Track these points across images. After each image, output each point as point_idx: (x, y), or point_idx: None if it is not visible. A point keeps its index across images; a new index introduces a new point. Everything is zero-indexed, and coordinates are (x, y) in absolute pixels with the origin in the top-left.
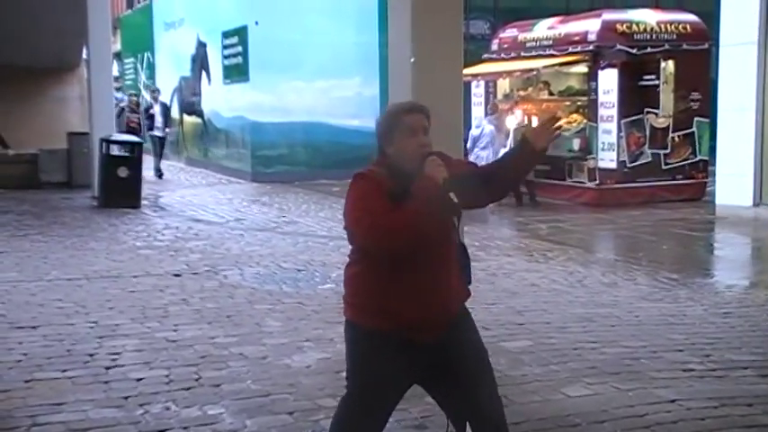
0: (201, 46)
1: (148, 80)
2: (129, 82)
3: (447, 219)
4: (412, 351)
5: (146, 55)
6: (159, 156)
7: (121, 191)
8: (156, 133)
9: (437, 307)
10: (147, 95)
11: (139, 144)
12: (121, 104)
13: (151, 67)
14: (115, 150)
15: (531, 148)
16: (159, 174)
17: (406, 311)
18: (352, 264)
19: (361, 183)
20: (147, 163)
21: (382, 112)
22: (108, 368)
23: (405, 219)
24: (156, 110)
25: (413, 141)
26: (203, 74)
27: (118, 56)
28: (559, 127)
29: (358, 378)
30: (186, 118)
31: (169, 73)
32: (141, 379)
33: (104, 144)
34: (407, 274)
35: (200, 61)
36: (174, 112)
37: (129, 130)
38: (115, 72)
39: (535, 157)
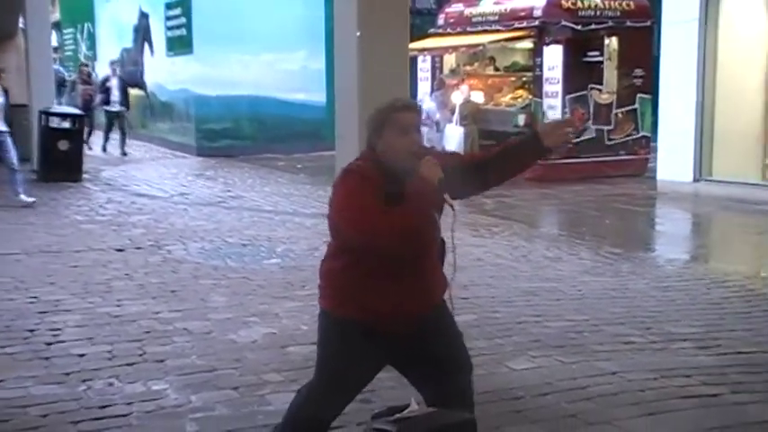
0: (144, 17)
1: (89, 51)
2: (68, 53)
3: (435, 217)
4: (387, 341)
5: (86, 25)
6: (110, 132)
7: (62, 164)
8: (112, 108)
9: (418, 302)
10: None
11: (80, 116)
12: (71, 77)
13: (92, 38)
14: (55, 123)
15: (540, 143)
16: (123, 152)
17: (386, 307)
18: (332, 257)
19: (352, 179)
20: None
21: (335, 89)
22: (49, 344)
23: (402, 221)
24: (114, 83)
25: (403, 140)
26: (146, 45)
27: (57, 26)
28: (584, 130)
29: (329, 367)
30: (129, 91)
31: (110, 44)
32: (83, 355)
33: (44, 116)
34: (390, 271)
35: (142, 32)
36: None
37: (84, 104)
38: (54, 43)
39: (542, 153)
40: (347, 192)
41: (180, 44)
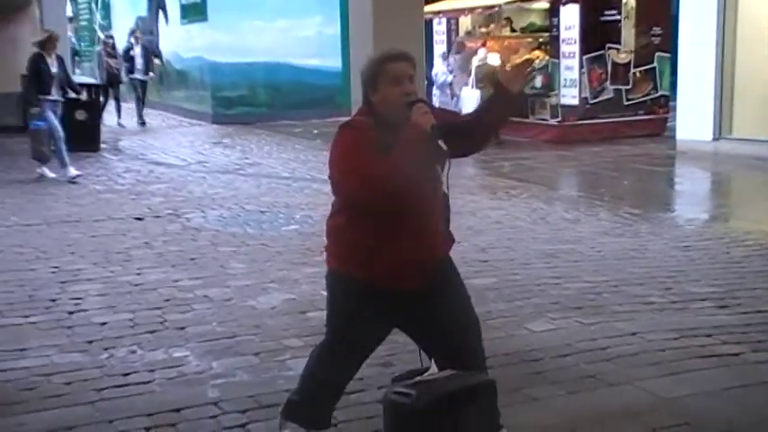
0: None
1: (104, 21)
2: (83, 23)
3: (434, 169)
4: (395, 300)
5: None
6: (141, 100)
7: (80, 134)
8: (137, 76)
9: (422, 258)
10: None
11: (97, 86)
12: (97, 49)
13: (106, 8)
14: (73, 93)
15: (506, 92)
16: (141, 121)
17: (391, 262)
18: (336, 214)
19: (349, 134)
20: (128, 111)
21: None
22: (71, 313)
23: (393, 167)
24: (137, 52)
25: (397, 90)
26: (160, 13)
27: None
28: (532, 68)
29: (340, 327)
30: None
31: (125, 13)
32: (105, 323)
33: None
34: (394, 226)
35: (156, 1)
36: None
37: (110, 76)
38: (69, 13)
39: (512, 100)
40: (343, 146)
41: (194, 11)
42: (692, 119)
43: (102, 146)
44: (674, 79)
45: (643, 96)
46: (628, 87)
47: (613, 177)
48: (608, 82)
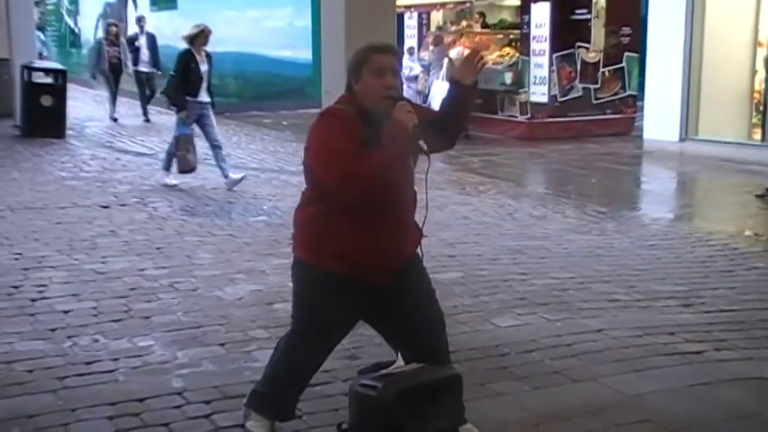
0: None
1: (71, 5)
2: (50, 6)
3: (410, 165)
4: (363, 293)
5: None
6: (145, 96)
7: (45, 120)
8: (142, 68)
9: (393, 251)
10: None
11: (63, 72)
12: (97, 36)
13: None
14: (38, 78)
15: (460, 85)
16: (147, 118)
17: (363, 255)
18: (308, 204)
19: (330, 122)
20: (133, 107)
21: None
22: (34, 300)
23: (375, 165)
24: (142, 42)
25: (379, 82)
26: (129, 0)
27: None
28: (482, 58)
29: (306, 318)
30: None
31: None
32: (69, 311)
33: (26, 71)
34: (367, 219)
35: None
36: None
37: (111, 67)
38: None
39: (468, 92)
40: (323, 135)
41: None
42: (659, 119)
43: (69, 132)
44: (642, 79)
45: (611, 96)
46: (597, 86)
47: (581, 175)
48: (577, 80)
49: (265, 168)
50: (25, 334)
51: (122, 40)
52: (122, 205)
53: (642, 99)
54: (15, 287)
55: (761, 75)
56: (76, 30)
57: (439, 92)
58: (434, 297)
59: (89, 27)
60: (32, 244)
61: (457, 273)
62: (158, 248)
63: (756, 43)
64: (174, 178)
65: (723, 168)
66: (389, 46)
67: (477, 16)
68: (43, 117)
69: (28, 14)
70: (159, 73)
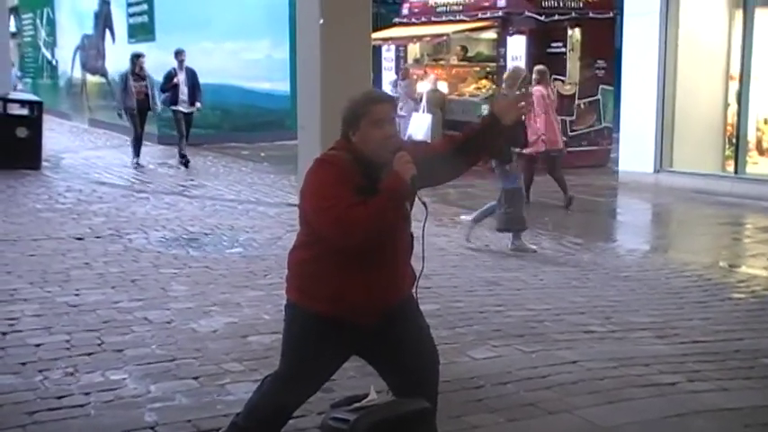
0: (105, 3)
1: (48, 37)
2: (27, 38)
3: (407, 209)
4: (355, 334)
5: (45, 11)
6: (185, 136)
7: (20, 151)
8: (181, 108)
9: (387, 295)
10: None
11: (38, 103)
12: (122, 71)
13: (51, 24)
14: (14, 109)
15: (497, 122)
16: (185, 161)
17: (356, 299)
18: (302, 247)
19: (326, 169)
20: (198, 154)
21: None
22: (5, 333)
23: (372, 215)
24: (181, 78)
25: (379, 133)
26: (107, 32)
27: (15, 11)
28: (527, 103)
29: (296, 359)
30: (89, 78)
31: (70, 31)
32: (40, 345)
33: (1, 102)
34: (361, 264)
35: (103, 19)
36: (77, 72)
37: (139, 104)
38: (12, 28)
39: (503, 131)
40: (321, 183)
41: (142, 31)
42: (634, 151)
43: (44, 163)
44: (617, 112)
45: (587, 128)
46: (572, 118)
47: (557, 207)
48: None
49: (242, 200)
50: None
51: (149, 74)
52: (97, 237)
53: (617, 131)
54: None
55: (733, 108)
56: (54, 61)
57: (419, 124)
58: (428, 333)
59: (66, 59)
60: (4, 276)
61: (433, 305)
62: (133, 281)
63: (729, 77)
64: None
65: (697, 200)
66: (386, 96)
67: (458, 49)
68: (19, 148)
69: (4, 46)
70: (199, 105)
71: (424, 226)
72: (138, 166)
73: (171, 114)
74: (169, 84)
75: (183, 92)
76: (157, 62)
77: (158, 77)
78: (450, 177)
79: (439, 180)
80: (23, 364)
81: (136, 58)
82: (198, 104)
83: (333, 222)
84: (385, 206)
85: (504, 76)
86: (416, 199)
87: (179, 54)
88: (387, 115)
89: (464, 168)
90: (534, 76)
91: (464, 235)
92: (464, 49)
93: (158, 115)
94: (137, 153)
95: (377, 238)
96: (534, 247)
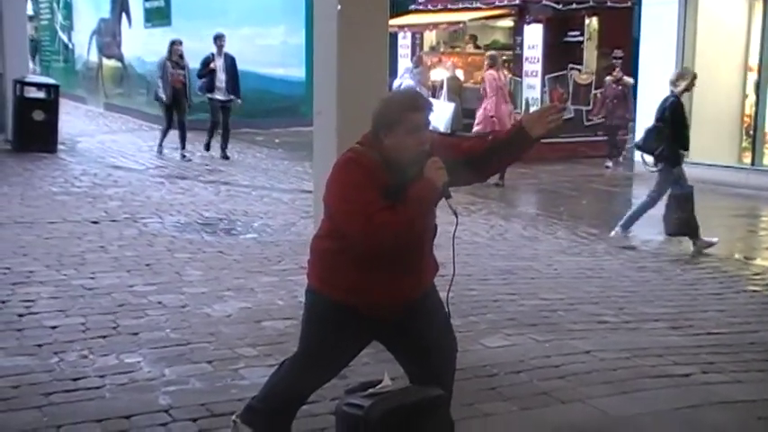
0: None
1: (65, 21)
2: (44, 22)
3: (434, 208)
4: (372, 324)
5: None
6: (218, 127)
7: (37, 135)
8: (218, 96)
9: (409, 290)
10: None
11: (56, 86)
12: (160, 58)
13: (68, 8)
14: (30, 93)
15: (527, 134)
16: (224, 154)
17: (377, 293)
18: (326, 238)
19: (354, 169)
20: (195, 136)
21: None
22: (21, 315)
23: (401, 222)
24: (219, 65)
25: (413, 140)
26: (123, 16)
27: None
28: (560, 112)
29: (314, 346)
30: (105, 62)
31: (87, 14)
32: (56, 327)
33: (18, 86)
34: (384, 260)
35: (120, 3)
36: (93, 56)
37: (175, 93)
38: (30, 11)
39: (531, 143)
40: (348, 183)
41: (158, 15)
42: None
43: (60, 147)
44: (633, 102)
45: (603, 118)
46: (588, 108)
47: (572, 197)
48: (569, 102)
49: (256, 186)
50: (11, 349)
51: (187, 62)
52: (112, 221)
53: (634, 121)
54: (3, 302)
55: (751, 99)
56: (70, 45)
57: (440, 112)
58: (448, 323)
59: (83, 42)
60: (21, 259)
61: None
62: (148, 265)
63: (747, 68)
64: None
65: (713, 192)
66: (424, 102)
67: (467, 38)
68: (35, 132)
69: (21, 30)
70: (239, 101)
71: (453, 235)
72: (184, 158)
73: (208, 102)
74: (206, 69)
75: (221, 79)
76: None
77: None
78: (477, 180)
79: (466, 182)
80: (39, 345)
81: (172, 45)
82: (238, 101)
83: (361, 227)
84: (415, 213)
85: (673, 75)
86: (447, 206)
87: (218, 39)
88: (422, 122)
89: (491, 173)
90: (487, 61)
91: (619, 245)
92: (473, 37)
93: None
94: (182, 145)
95: (404, 244)
96: (716, 239)
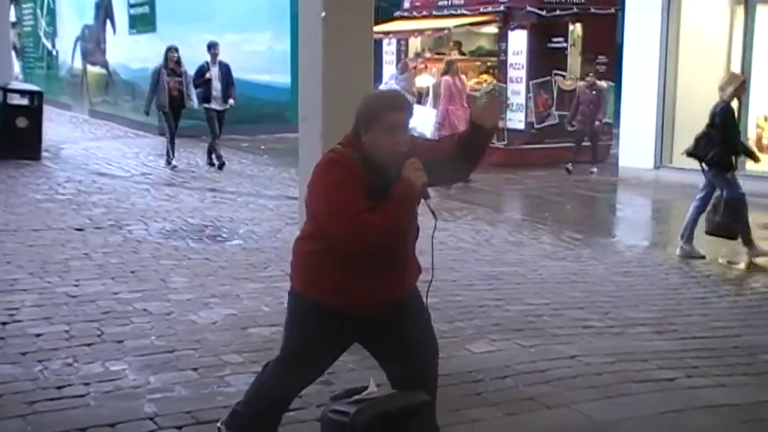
0: None
1: (48, 27)
2: (27, 28)
3: (415, 209)
4: (356, 325)
5: (46, 0)
6: (218, 135)
7: (20, 142)
8: (214, 106)
9: (392, 289)
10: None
11: (39, 93)
12: (154, 66)
13: (51, 14)
14: (14, 99)
15: (481, 127)
16: (220, 162)
17: (361, 293)
18: (309, 239)
19: (335, 170)
20: (197, 146)
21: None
22: (5, 324)
23: (382, 222)
24: (214, 73)
25: (390, 140)
26: (108, 22)
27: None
28: (503, 103)
29: (297, 348)
30: (90, 68)
31: (71, 21)
32: (40, 335)
33: (1, 92)
34: (367, 261)
35: (104, 9)
36: (77, 63)
37: (172, 102)
38: (12, 17)
39: (488, 135)
40: (330, 184)
41: (143, 22)
42: (635, 147)
43: (44, 154)
44: (617, 107)
45: (573, 125)
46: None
47: (557, 202)
48: (553, 108)
49: (242, 192)
50: None
51: (185, 69)
52: (97, 228)
53: (618, 127)
54: None
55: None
56: (54, 51)
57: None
58: (430, 325)
59: (67, 49)
60: (4, 266)
61: (432, 298)
62: (132, 272)
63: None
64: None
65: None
66: (404, 102)
67: (452, 45)
68: (18, 139)
69: (4, 36)
70: (232, 102)
71: (432, 236)
72: (171, 166)
73: (203, 112)
74: (201, 79)
75: (217, 88)
76: (159, 53)
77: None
78: (456, 179)
79: (446, 182)
80: (23, 354)
81: (168, 51)
82: (231, 101)
83: (344, 228)
84: (396, 213)
85: (721, 81)
86: (426, 206)
87: (212, 47)
88: (401, 122)
89: (468, 170)
90: (443, 67)
91: (685, 257)
92: (458, 44)
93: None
94: (171, 153)
95: (387, 244)
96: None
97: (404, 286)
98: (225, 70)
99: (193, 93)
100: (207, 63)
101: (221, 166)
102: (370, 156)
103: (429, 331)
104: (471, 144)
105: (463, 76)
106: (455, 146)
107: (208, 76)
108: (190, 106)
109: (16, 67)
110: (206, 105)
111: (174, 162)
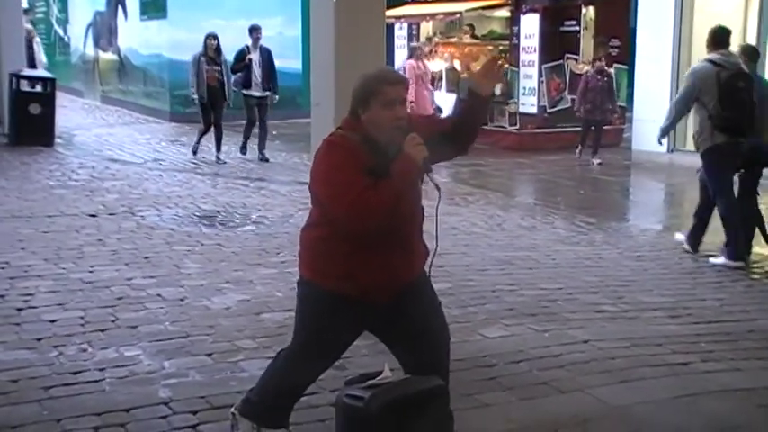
0: None
1: (60, 14)
2: (39, 15)
3: (418, 185)
4: (366, 310)
5: None
6: (255, 124)
7: (33, 128)
8: (254, 93)
9: (399, 275)
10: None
11: (51, 80)
12: (194, 54)
13: (63, 0)
14: (26, 86)
15: (477, 96)
16: (263, 157)
17: (369, 278)
18: (315, 226)
19: (335, 152)
20: (233, 136)
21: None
22: (20, 309)
23: (385, 200)
24: (255, 59)
25: (389, 114)
26: (119, 9)
27: None
28: (501, 67)
29: (309, 335)
30: (101, 55)
31: (83, 7)
32: (55, 320)
33: (14, 79)
34: (374, 243)
35: None
36: (89, 49)
37: (210, 91)
38: (25, 4)
39: (485, 103)
40: (331, 167)
41: (154, 8)
42: (648, 130)
43: (57, 140)
44: (630, 91)
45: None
46: None
47: (569, 186)
48: (566, 92)
49: (253, 178)
50: (10, 343)
51: (224, 57)
52: (111, 214)
53: (631, 110)
54: (1, 296)
55: None
56: (66, 38)
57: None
58: (440, 310)
59: (79, 35)
60: (19, 253)
61: (445, 283)
62: (146, 258)
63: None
64: None
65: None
66: (399, 77)
67: (466, 28)
68: (31, 125)
69: (17, 23)
70: (276, 97)
71: (437, 207)
72: (219, 160)
73: (243, 99)
74: (240, 64)
75: (257, 74)
76: (170, 39)
77: (170, 54)
78: (457, 153)
79: (447, 156)
80: (39, 339)
81: (207, 39)
82: (275, 97)
83: (347, 209)
84: (398, 190)
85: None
86: (429, 180)
87: (254, 31)
88: (398, 96)
89: (468, 143)
90: (408, 52)
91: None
92: (471, 27)
93: (170, 93)
94: (218, 147)
95: (391, 222)
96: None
97: (412, 269)
98: (266, 56)
99: (232, 80)
100: (247, 46)
101: (265, 160)
102: (370, 135)
103: (440, 319)
104: (470, 113)
105: (426, 60)
106: (454, 119)
107: (248, 59)
108: (228, 100)
109: (43, 56)
110: (245, 92)
111: (221, 156)
